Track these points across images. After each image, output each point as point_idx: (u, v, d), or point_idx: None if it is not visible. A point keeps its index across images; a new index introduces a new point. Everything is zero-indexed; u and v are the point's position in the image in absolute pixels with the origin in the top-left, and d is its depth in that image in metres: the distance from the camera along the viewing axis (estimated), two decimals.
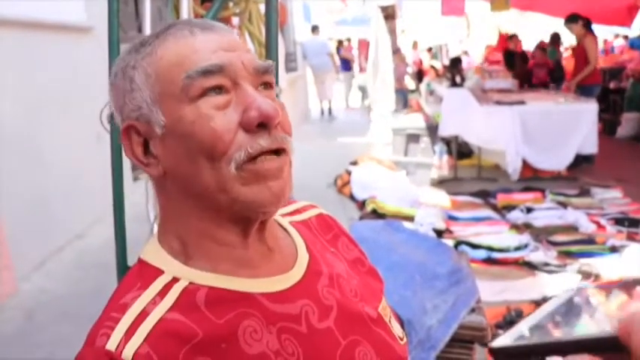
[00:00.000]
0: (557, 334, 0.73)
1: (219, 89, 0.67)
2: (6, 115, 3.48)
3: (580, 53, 6.70)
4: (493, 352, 0.72)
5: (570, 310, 0.77)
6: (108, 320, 0.64)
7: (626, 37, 12.81)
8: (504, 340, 0.73)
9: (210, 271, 0.69)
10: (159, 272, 0.69)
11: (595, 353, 0.70)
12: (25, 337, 3.06)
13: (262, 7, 1.66)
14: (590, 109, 5.81)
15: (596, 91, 6.68)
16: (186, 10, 1.56)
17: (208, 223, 0.70)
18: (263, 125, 0.67)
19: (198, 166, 0.67)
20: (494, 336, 2.70)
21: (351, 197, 5.21)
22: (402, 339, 0.84)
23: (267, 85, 0.72)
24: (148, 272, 0.69)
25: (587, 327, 0.74)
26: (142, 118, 0.69)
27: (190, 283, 0.68)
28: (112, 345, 0.61)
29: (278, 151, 0.68)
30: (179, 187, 0.70)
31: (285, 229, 0.81)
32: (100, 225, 4.22)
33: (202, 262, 0.70)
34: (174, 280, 0.68)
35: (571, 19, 6.74)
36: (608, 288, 0.78)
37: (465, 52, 14.69)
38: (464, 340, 1.95)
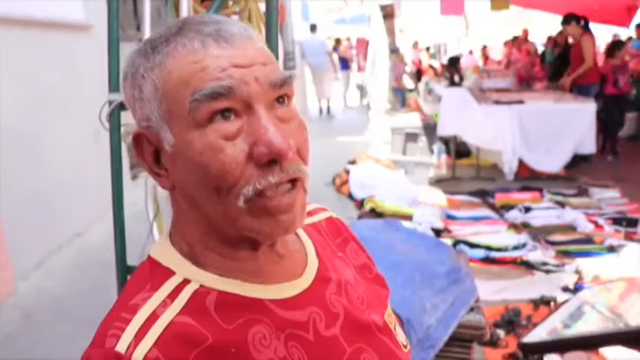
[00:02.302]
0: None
1: (228, 112, 0.63)
2: (4, 113, 3.47)
3: (577, 53, 6.71)
4: (525, 347, 0.72)
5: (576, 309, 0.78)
6: (117, 320, 0.63)
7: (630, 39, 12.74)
8: (537, 335, 0.73)
9: (221, 275, 0.69)
10: (170, 273, 0.68)
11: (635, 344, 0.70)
12: (24, 337, 3.05)
13: (262, 6, 1.66)
14: (588, 108, 5.81)
15: (593, 91, 6.68)
16: (185, 9, 1.56)
17: (216, 240, 0.69)
18: (274, 161, 0.63)
19: (206, 195, 0.65)
20: (492, 335, 2.71)
21: (350, 196, 5.22)
22: (405, 346, 0.84)
23: (284, 99, 0.67)
24: (158, 272, 0.69)
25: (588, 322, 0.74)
26: (152, 130, 0.67)
27: (201, 285, 0.67)
28: (121, 347, 0.60)
29: (292, 180, 0.66)
30: (188, 203, 0.69)
31: (295, 233, 0.80)
32: (100, 223, 4.21)
33: (212, 268, 0.69)
34: (185, 281, 0.67)
35: (567, 20, 6.77)
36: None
37: (470, 52, 14.68)
38: (463, 339, 1.95)
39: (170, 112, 0.65)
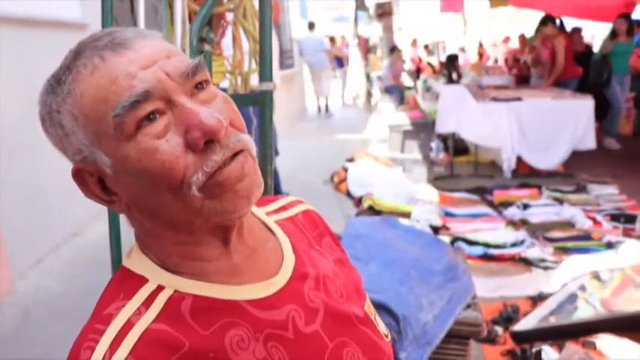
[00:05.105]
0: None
1: (152, 114, 0.63)
2: (2, 113, 3.47)
3: (552, 53, 6.89)
4: (516, 335, 0.72)
5: (569, 299, 0.77)
6: (92, 332, 0.62)
7: None
8: (528, 323, 0.73)
9: (196, 279, 0.68)
10: (143, 280, 0.67)
11: (628, 331, 0.69)
12: (22, 336, 3.06)
13: (257, 3, 1.66)
14: (586, 105, 5.81)
15: (572, 86, 6.85)
16: (180, 7, 1.55)
17: (186, 245, 0.68)
18: (210, 141, 0.63)
19: (161, 198, 0.64)
20: (490, 332, 2.71)
21: (348, 194, 5.22)
22: (387, 336, 0.84)
23: (202, 84, 0.67)
24: (131, 281, 0.68)
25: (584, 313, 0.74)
26: (88, 160, 0.66)
27: (175, 291, 0.67)
28: (96, 358, 0.60)
29: (236, 154, 0.65)
30: (148, 217, 0.68)
31: (270, 230, 0.79)
32: (97, 223, 4.21)
33: (186, 273, 0.69)
34: (159, 288, 0.67)
35: (544, 21, 6.94)
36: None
37: (463, 49, 14.66)
38: (459, 335, 1.95)
39: (97, 135, 0.64)
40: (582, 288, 0.77)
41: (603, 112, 6.94)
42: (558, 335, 0.73)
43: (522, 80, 7.98)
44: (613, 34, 6.96)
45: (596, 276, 0.79)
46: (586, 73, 7.42)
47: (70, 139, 0.66)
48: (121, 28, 0.68)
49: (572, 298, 0.77)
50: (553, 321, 0.72)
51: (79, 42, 0.68)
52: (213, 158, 0.63)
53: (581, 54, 8.02)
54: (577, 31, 8.46)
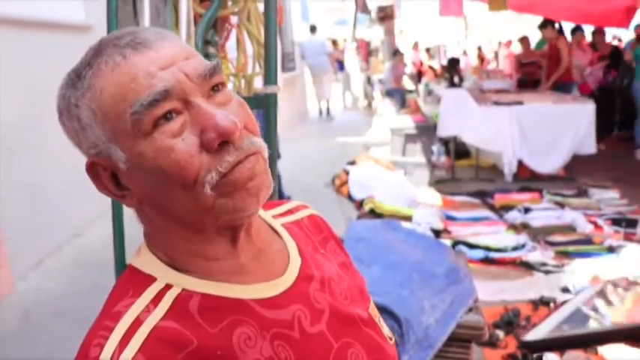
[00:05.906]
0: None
1: (169, 113, 0.64)
2: (4, 113, 3.47)
3: (553, 55, 6.94)
4: (527, 345, 0.73)
5: (579, 317, 0.77)
6: (101, 329, 0.63)
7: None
8: (538, 333, 0.73)
9: (203, 278, 0.69)
10: (151, 279, 0.68)
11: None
12: (23, 336, 3.06)
13: (261, 7, 1.66)
14: (587, 109, 5.81)
15: (573, 89, 6.89)
16: (185, 9, 1.56)
17: (195, 243, 0.69)
18: (225, 142, 0.64)
19: (173, 196, 0.65)
20: (492, 336, 2.71)
21: (349, 197, 5.22)
22: (391, 339, 0.85)
23: (219, 87, 0.68)
24: (140, 279, 0.69)
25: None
26: (103, 155, 0.67)
27: (183, 289, 0.67)
28: (105, 355, 0.60)
29: (249, 156, 0.67)
30: (158, 213, 0.69)
31: (277, 232, 0.81)
32: (99, 223, 4.22)
33: (193, 272, 0.69)
34: (167, 287, 0.67)
35: (544, 24, 7.03)
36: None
37: (464, 53, 14.68)
38: (461, 339, 1.95)
39: (114, 131, 0.65)
40: (594, 309, 0.77)
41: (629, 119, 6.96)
42: (570, 345, 0.74)
43: (533, 84, 7.90)
44: (638, 40, 6.94)
45: (605, 296, 0.79)
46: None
47: (87, 133, 0.67)
48: (143, 28, 0.70)
49: (582, 316, 0.77)
50: (564, 331, 0.73)
51: (101, 39, 0.69)
52: (227, 159, 0.64)
53: (609, 56, 8.02)
54: (599, 33, 8.45)
